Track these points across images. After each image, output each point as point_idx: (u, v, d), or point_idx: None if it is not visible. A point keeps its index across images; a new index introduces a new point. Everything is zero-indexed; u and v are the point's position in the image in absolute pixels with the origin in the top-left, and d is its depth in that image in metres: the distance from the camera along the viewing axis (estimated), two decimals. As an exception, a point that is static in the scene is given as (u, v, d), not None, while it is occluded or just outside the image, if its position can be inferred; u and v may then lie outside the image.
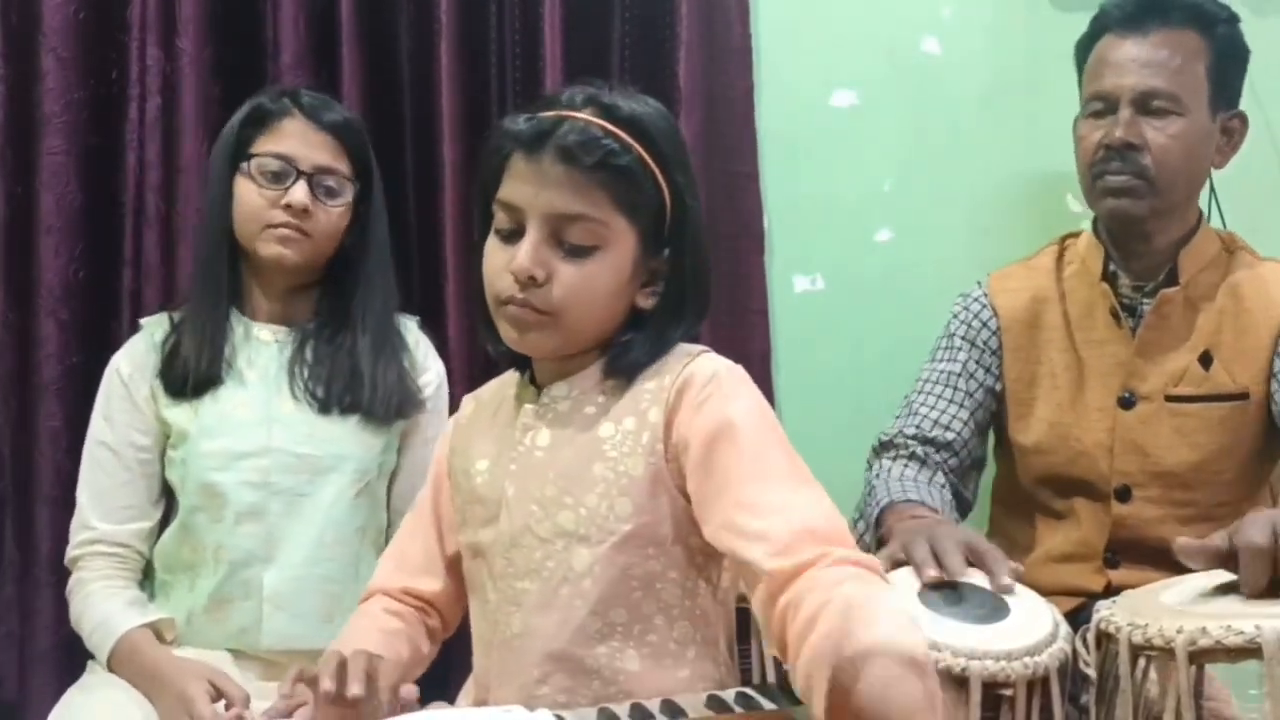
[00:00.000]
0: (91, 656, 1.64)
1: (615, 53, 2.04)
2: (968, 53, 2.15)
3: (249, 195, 1.66)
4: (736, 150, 2.08)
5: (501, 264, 1.22)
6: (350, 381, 1.68)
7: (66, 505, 1.73)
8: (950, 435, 1.76)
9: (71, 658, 1.72)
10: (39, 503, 1.89)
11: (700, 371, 1.22)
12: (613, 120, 1.21)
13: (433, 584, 1.40)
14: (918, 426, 1.77)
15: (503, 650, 1.26)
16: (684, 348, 1.27)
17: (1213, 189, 2.02)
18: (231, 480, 1.63)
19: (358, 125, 1.74)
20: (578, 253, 1.21)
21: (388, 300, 1.75)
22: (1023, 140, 1.92)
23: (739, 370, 1.25)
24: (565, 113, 1.21)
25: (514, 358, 1.32)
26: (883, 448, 1.77)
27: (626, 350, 1.25)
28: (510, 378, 1.36)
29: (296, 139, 1.66)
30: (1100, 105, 1.70)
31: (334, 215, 1.69)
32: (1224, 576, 1.27)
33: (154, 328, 1.73)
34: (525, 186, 1.20)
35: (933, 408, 1.78)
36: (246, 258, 1.70)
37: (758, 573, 1.11)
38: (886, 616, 1.00)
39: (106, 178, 1.95)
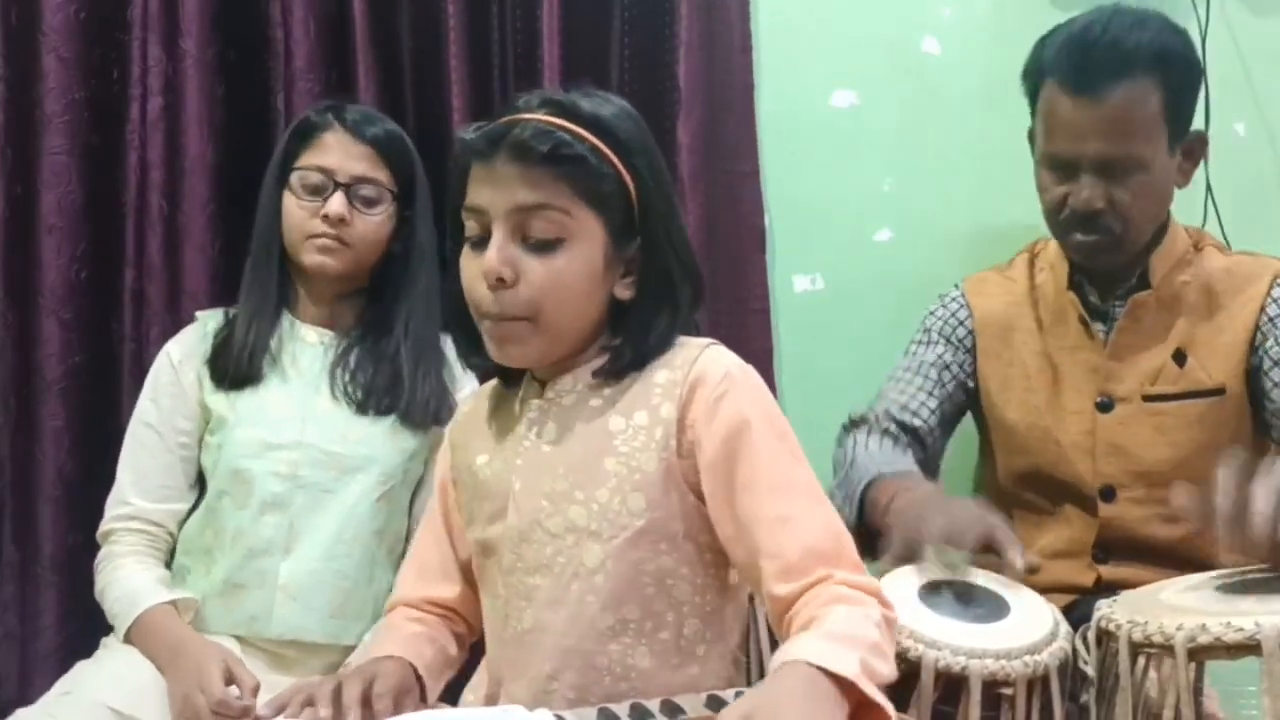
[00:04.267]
0: (105, 633, 1.67)
1: (615, 53, 2.04)
2: (968, 53, 2.16)
3: (292, 207, 1.72)
4: (736, 150, 2.08)
5: (475, 272, 1.23)
6: (391, 385, 1.73)
7: (69, 505, 1.74)
8: (918, 422, 1.78)
9: (72, 658, 1.72)
10: (41, 502, 1.88)
11: (713, 368, 1.22)
12: (565, 116, 1.21)
13: (452, 589, 1.41)
14: (887, 410, 1.78)
15: (514, 645, 1.27)
16: (692, 340, 1.27)
17: (1209, 189, 2.03)
18: (261, 469, 1.68)
19: (399, 137, 1.78)
20: (543, 247, 1.20)
21: (430, 309, 1.78)
22: (1023, 140, 1.91)
23: (749, 368, 1.25)
24: (519, 116, 1.22)
25: (499, 368, 1.32)
26: (854, 424, 1.78)
27: (620, 354, 1.25)
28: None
29: (336, 151, 1.72)
30: (1060, 165, 1.67)
31: (372, 224, 1.73)
32: (1223, 574, 1.28)
33: (208, 319, 1.79)
34: (484, 189, 1.21)
35: (902, 393, 1.80)
36: (295, 265, 1.76)
37: (766, 593, 1.15)
38: (814, 638, 1.04)
39: (108, 177, 1.94)
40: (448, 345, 1.81)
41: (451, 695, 1.43)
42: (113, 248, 1.94)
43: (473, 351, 1.30)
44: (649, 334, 1.25)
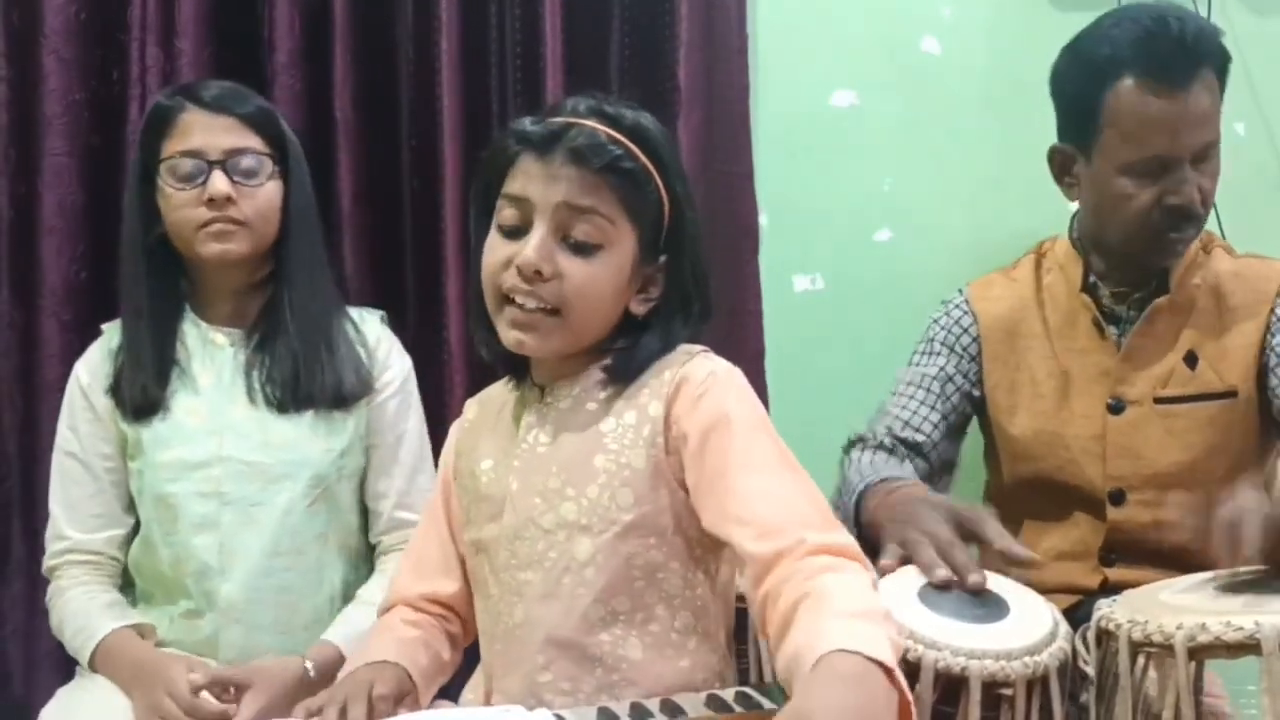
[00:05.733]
0: None
1: (614, 52, 2.05)
2: (968, 53, 2.16)
3: (171, 202, 1.62)
4: (732, 151, 2.08)
5: (504, 258, 1.24)
6: (292, 374, 1.64)
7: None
8: (920, 437, 1.76)
9: (72, 656, 1.72)
10: (44, 501, 1.88)
11: (698, 369, 1.26)
12: (618, 129, 1.25)
13: (451, 584, 1.41)
14: (888, 427, 1.76)
15: (506, 640, 1.29)
16: (683, 347, 1.30)
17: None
18: (184, 491, 1.62)
19: (263, 105, 1.69)
20: (583, 250, 1.24)
21: (313, 285, 1.69)
22: (1023, 140, 1.92)
23: (735, 370, 1.28)
24: (572, 119, 1.25)
25: (509, 361, 1.34)
26: (853, 444, 1.77)
27: (631, 355, 1.28)
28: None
29: (199, 131, 1.61)
30: (1155, 167, 1.62)
31: (260, 195, 1.63)
32: (1223, 573, 1.27)
33: (112, 334, 1.71)
34: (535, 182, 1.23)
35: (904, 408, 1.78)
36: (194, 262, 1.66)
37: (743, 557, 1.16)
38: (835, 620, 1.01)
39: (108, 178, 1.95)
40: (368, 324, 1.75)
41: (452, 696, 1.43)
42: (113, 249, 1.94)
43: (490, 337, 1.31)
44: (658, 345, 1.28)
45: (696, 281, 1.31)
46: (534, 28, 2.00)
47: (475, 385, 1.59)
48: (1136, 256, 1.71)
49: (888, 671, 0.97)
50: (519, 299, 1.23)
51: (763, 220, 2.10)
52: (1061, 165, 1.76)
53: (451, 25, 1.98)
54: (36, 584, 1.89)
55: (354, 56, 1.98)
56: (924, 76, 2.16)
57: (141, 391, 1.63)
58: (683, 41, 2.02)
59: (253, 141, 1.63)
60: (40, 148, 1.91)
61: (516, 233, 1.24)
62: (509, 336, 1.27)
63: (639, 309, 1.30)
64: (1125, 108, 1.62)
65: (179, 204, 1.61)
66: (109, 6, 1.95)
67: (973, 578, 1.32)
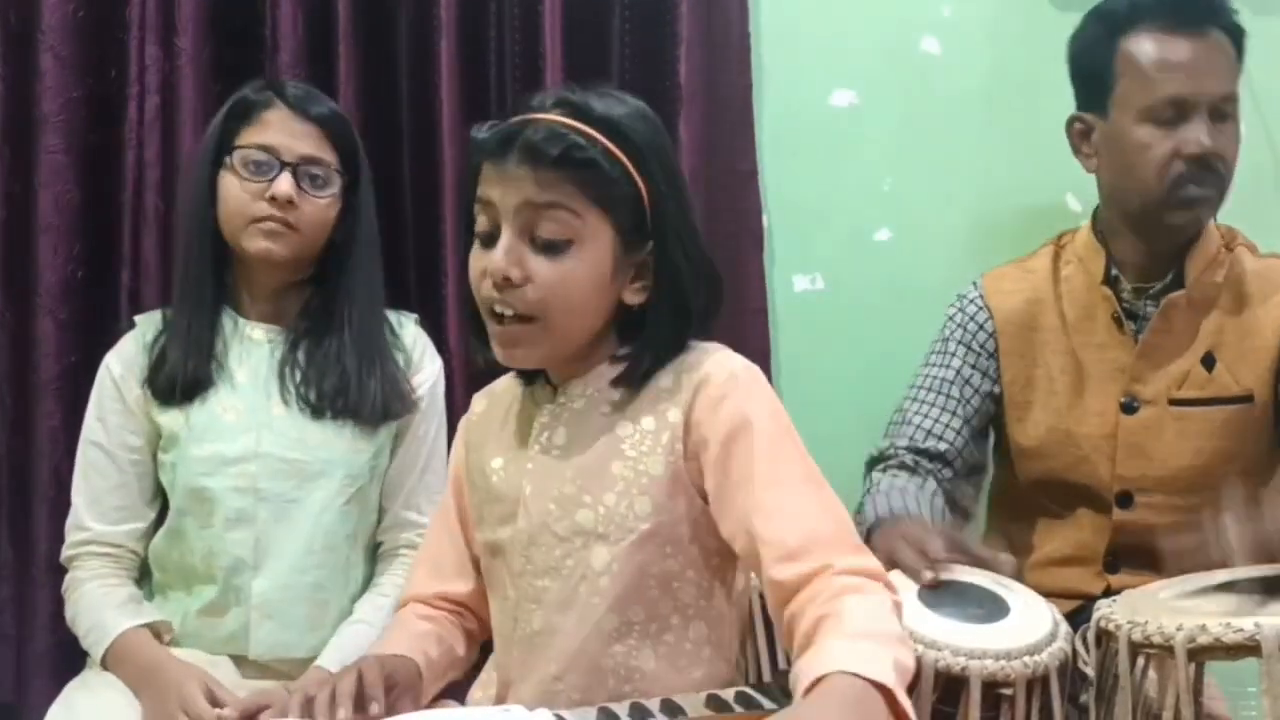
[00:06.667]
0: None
1: (615, 50, 2.04)
2: (968, 53, 2.15)
3: (233, 189, 1.62)
4: (735, 149, 2.08)
5: (481, 268, 1.23)
6: (340, 385, 1.65)
7: (64, 505, 1.73)
8: (943, 445, 1.73)
9: (69, 658, 1.72)
10: (36, 502, 1.88)
11: (718, 370, 1.23)
12: (579, 118, 1.21)
13: (465, 585, 1.41)
14: (910, 438, 1.74)
15: (524, 647, 1.28)
16: (699, 345, 1.27)
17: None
18: (220, 486, 1.61)
19: (344, 117, 1.71)
20: (552, 249, 1.20)
21: (374, 299, 1.71)
22: (1023, 139, 1.92)
23: (755, 369, 1.25)
24: (532, 116, 1.22)
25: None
26: (874, 462, 1.75)
27: (636, 362, 1.25)
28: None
29: (280, 130, 1.63)
30: (1171, 113, 1.62)
31: (320, 207, 1.65)
32: (1223, 575, 1.27)
33: (146, 326, 1.71)
34: (495, 187, 1.21)
35: (925, 416, 1.75)
36: (236, 254, 1.67)
37: (766, 580, 1.14)
38: (842, 640, 1.01)
39: (105, 177, 1.94)
40: (405, 327, 1.77)
41: (459, 693, 1.43)
42: (109, 247, 1.94)
43: (485, 348, 1.29)
44: (662, 340, 1.25)
45: (692, 266, 1.25)
46: (534, 26, 1.99)
47: (474, 381, 1.59)
48: (1157, 219, 1.67)
49: (888, 693, 0.96)
50: (498, 309, 1.22)
51: (763, 220, 2.10)
52: (1080, 133, 1.75)
53: (451, 24, 1.97)
54: (29, 588, 1.89)
55: (357, 56, 1.98)
56: (924, 76, 2.15)
57: (192, 369, 1.63)
58: (683, 39, 2.02)
59: (327, 155, 1.65)
60: (37, 146, 1.91)
61: (490, 239, 1.22)
62: (498, 354, 1.26)
63: (634, 299, 1.26)
64: (1141, 52, 1.65)
65: (240, 192, 1.62)
66: (107, 4, 1.94)
67: (939, 566, 1.31)
